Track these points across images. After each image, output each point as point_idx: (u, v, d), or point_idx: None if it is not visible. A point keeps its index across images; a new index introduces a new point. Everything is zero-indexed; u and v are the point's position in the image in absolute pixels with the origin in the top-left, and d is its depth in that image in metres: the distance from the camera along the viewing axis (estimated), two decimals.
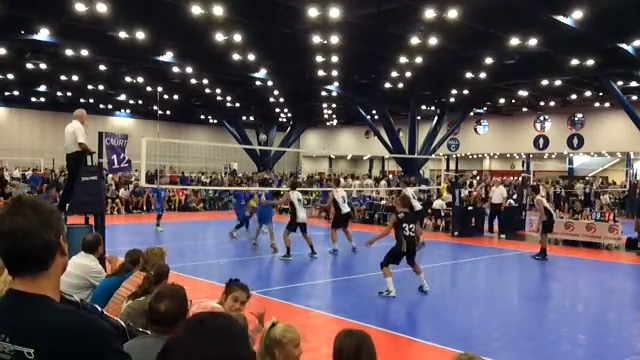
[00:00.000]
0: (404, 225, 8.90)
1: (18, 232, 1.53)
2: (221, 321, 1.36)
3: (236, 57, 20.73)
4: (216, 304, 3.98)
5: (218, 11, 14.94)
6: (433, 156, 31.83)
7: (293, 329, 3.06)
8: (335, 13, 15.02)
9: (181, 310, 2.89)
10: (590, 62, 20.49)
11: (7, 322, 1.51)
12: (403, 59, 20.37)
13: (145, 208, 23.75)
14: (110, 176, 23.82)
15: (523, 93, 29.04)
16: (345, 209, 13.91)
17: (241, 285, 4.14)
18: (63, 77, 25.85)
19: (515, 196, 20.87)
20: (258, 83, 27.35)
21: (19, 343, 1.46)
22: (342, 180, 27.18)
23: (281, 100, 32.96)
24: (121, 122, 39.89)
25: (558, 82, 25.18)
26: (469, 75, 23.44)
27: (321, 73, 23.91)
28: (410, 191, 17.88)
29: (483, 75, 23.17)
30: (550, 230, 13.90)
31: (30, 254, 1.55)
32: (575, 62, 20.57)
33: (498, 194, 17.81)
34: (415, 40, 17.42)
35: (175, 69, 23.57)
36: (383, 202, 22.20)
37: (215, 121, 41.29)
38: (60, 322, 1.51)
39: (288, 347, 2.96)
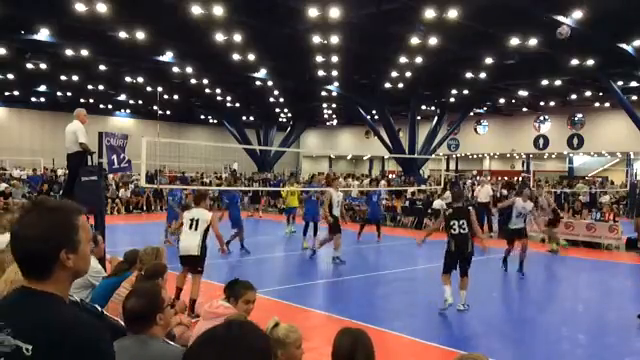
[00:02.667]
0: (452, 222, 8.04)
1: (19, 237, 1.60)
2: (235, 332, 1.37)
3: (236, 57, 20.74)
4: (227, 304, 3.99)
5: (218, 11, 14.96)
6: (433, 156, 31.83)
7: (296, 329, 3.05)
8: (335, 13, 15.03)
9: (148, 310, 2.76)
10: (590, 62, 20.49)
11: (13, 317, 1.53)
12: (403, 59, 20.38)
13: (145, 208, 23.74)
14: (110, 176, 23.73)
15: (523, 93, 29.03)
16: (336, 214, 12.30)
17: (247, 285, 4.17)
18: (63, 77, 25.87)
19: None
20: (258, 83, 27.36)
21: (20, 338, 1.48)
22: (342, 180, 27.19)
23: (281, 100, 32.97)
24: (121, 122, 39.90)
25: (558, 82, 25.17)
26: (469, 75, 23.44)
27: (321, 73, 23.92)
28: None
29: (483, 75, 23.17)
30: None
31: (25, 262, 1.60)
32: (575, 62, 20.56)
33: (485, 193, 18.01)
34: (415, 40, 17.42)
35: (175, 69, 23.57)
36: (384, 202, 22.20)
37: (215, 121, 41.32)
38: (61, 321, 1.53)
39: (291, 348, 2.95)
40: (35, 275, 1.59)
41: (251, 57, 20.99)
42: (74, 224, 1.64)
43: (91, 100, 32.99)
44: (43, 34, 18.18)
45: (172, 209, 13.95)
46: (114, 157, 8.63)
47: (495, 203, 23.64)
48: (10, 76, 26.03)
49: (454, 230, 8.00)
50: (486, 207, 17.88)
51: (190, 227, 7.73)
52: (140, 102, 34.80)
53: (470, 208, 8.18)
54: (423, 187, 23.37)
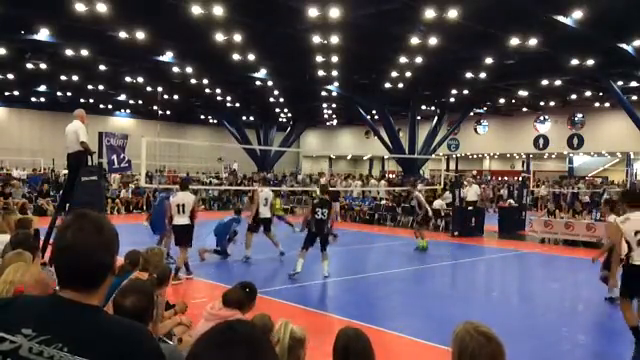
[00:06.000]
0: (317, 210, 10.02)
1: (78, 249, 1.54)
2: (249, 329, 1.28)
3: (236, 57, 20.74)
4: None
5: (218, 11, 14.96)
6: (433, 156, 31.83)
7: (304, 329, 3.10)
8: (335, 13, 15.03)
9: (148, 305, 2.81)
10: (590, 62, 20.48)
11: (64, 331, 1.47)
12: (403, 59, 20.37)
13: (145, 208, 23.72)
14: (118, 177, 23.72)
15: (523, 93, 29.03)
16: (265, 214, 12.40)
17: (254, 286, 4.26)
18: (63, 77, 25.85)
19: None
20: (258, 83, 27.35)
21: (82, 354, 1.43)
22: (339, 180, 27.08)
23: (281, 100, 32.97)
24: (121, 122, 39.89)
25: (558, 82, 25.17)
26: (469, 75, 23.44)
27: (321, 73, 23.91)
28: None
29: (483, 75, 23.16)
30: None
31: (84, 273, 1.55)
32: (575, 62, 20.56)
33: (472, 192, 18.18)
34: (415, 40, 17.42)
35: (175, 69, 23.56)
36: (383, 202, 22.23)
37: (215, 121, 41.32)
38: (123, 334, 1.52)
39: (304, 346, 3.01)
40: (84, 286, 1.55)
41: (251, 57, 20.98)
42: (117, 232, 1.67)
43: (91, 100, 32.98)
44: (43, 34, 18.17)
45: None
46: (114, 157, 8.65)
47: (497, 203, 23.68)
48: (10, 76, 26.00)
49: (318, 216, 10.22)
50: (473, 205, 18.16)
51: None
52: (140, 102, 34.79)
53: None
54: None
